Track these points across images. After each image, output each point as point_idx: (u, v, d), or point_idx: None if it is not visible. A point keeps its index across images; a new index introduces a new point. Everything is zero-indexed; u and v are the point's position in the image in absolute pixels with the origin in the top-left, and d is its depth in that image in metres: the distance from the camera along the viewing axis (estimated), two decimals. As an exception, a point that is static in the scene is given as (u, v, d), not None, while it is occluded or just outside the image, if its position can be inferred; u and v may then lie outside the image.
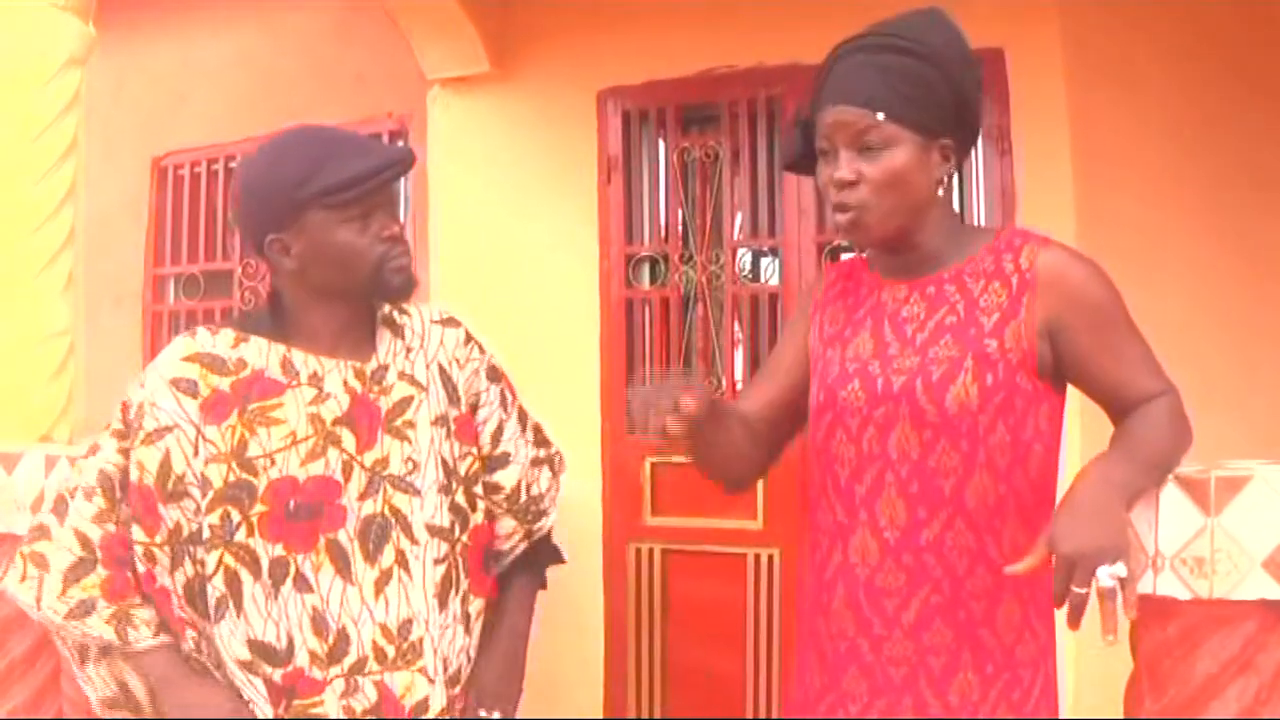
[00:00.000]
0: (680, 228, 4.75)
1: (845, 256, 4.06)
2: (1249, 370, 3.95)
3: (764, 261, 4.84)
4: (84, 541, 2.17)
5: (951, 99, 1.96)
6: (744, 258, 4.74)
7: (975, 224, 3.56)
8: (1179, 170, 4.00)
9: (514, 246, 4.88)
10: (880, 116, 1.90)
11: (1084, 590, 1.73)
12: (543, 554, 2.52)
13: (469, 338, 2.41)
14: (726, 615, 4.45)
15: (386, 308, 2.32)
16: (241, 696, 2.16)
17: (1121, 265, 3.81)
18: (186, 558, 2.16)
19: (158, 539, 2.15)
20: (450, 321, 2.40)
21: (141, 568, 2.17)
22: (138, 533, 2.16)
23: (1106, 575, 1.73)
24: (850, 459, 1.98)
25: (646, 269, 4.80)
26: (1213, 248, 4.01)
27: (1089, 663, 3.61)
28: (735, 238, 4.65)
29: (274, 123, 5.54)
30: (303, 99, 5.52)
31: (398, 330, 2.32)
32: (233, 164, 5.77)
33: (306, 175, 2.11)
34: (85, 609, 2.16)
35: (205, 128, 5.87)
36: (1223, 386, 3.87)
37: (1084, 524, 1.76)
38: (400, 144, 2.28)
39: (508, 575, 2.47)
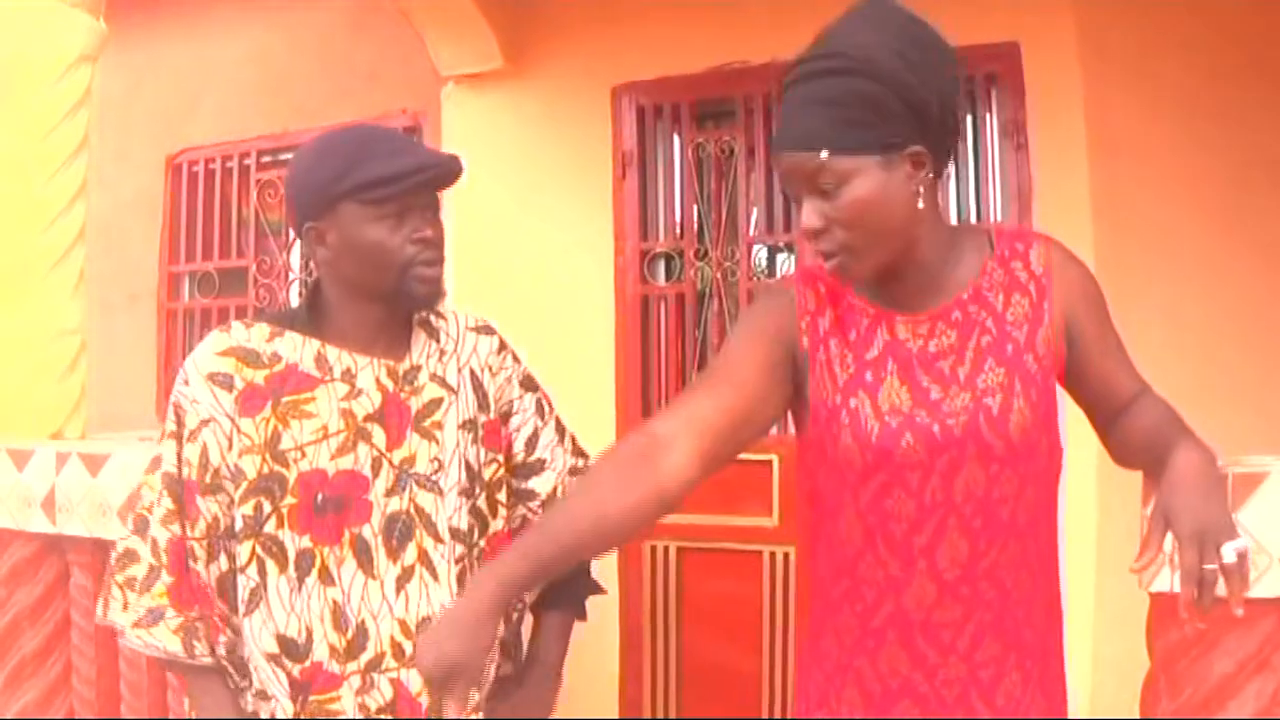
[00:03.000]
0: (696, 223, 4.74)
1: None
2: (1267, 367, 3.92)
3: (780, 257, 4.83)
4: (154, 548, 2.19)
5: (902, 105, 1.77)
6: (760, 253, 4.74)
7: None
8: (1195, 166, 3.97)
9: (528, 243, 4.88)
10: (824, 154, 1.77)
11: (1214, 567, 1.69)
12: (581, 585, 2.52)
13: (503, 346, 2.43)
14: (742, 612, 4.44)
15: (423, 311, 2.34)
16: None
17: (1138, 261, 3.83)
18: (222, 552, 2.18)
19: (196, 533, 2.17)
20: (485, 329, 2.42)
21: (190, 564, 2.19)
22: (186, 528, 2.19)
23: (1231, 551, 1.70)
24: (909, 514, 1.87)
25: (662, 265, 4.78)
26: (1230, 244, 3.98)
27: (1106, 662, 3.59)
28: (751, 233, 4.63)
29: (288, 120, 5.63)
30: (317, 96, 5.54)
31: (433, 333, 2.33)
32: (247, 161, 5.81)
33: (345, 169, 2.14)
34: (154, 617, 2.16)
35: (220, 125, 5.89)
36: (1240, 383, 3.85)
37: (1200, 503, 1.73)
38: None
39: (543, 604, 2.48)
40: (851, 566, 1.94)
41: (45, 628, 3.13)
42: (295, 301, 5.66)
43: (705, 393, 1.93)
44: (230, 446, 2.16)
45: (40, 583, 3.14)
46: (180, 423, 2.20)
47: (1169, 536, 1.74)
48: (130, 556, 2.21)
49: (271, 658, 2.15)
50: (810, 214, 1.82)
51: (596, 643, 4.59)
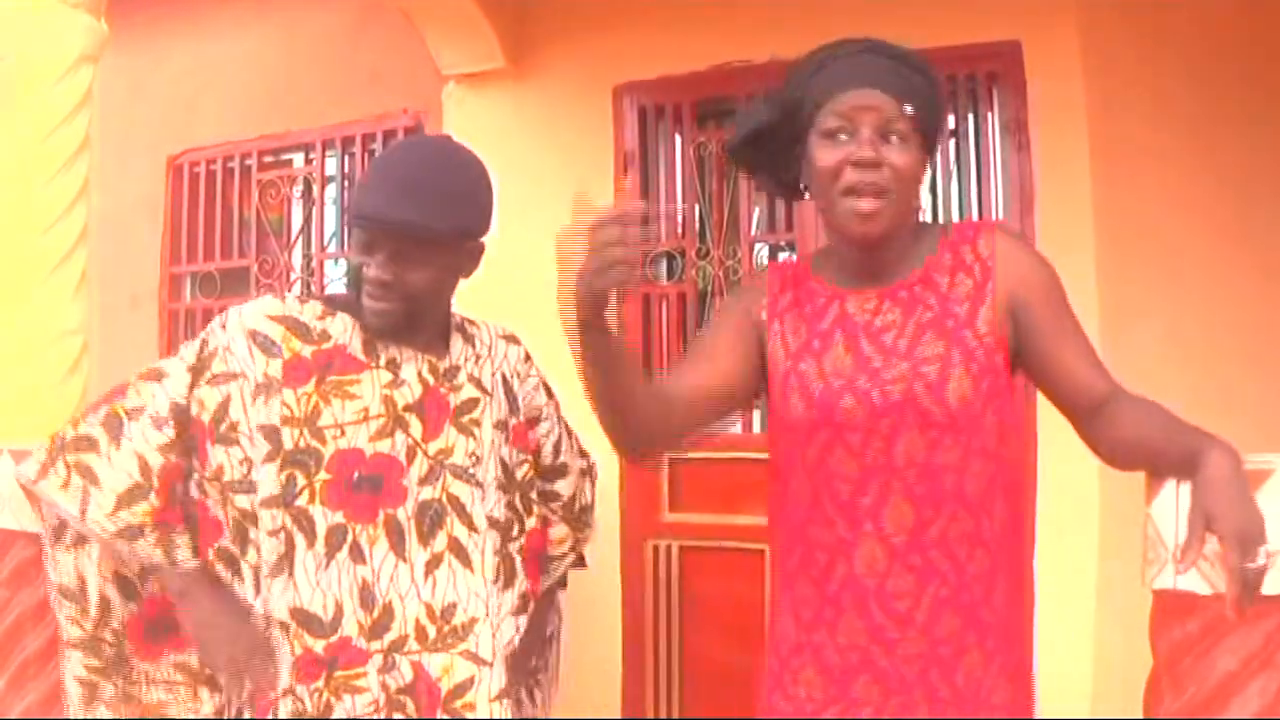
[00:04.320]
0: (697, 223, 4.74)
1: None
2: (1267, 374, 3.92)
3: (781, 257, 4.82)
4: (143, 467, 2.23)
5: (936, 124, 1.99)
6: (761, 253, 4.73)
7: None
8: (1197, 164, 3.97)
9: (530, 242, 4.84)
10: (908, 109, 1.91)
11: (1255, 566, 1.73)
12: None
13: (528, 356, 2.54)
14: (744, 612, 4.42)
15: (459, 316, 2.44)
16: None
17: (1140, 265, 3.83)
18: (229, 503, 2.23)
19: (207, 474, 2.24)
20: (513, 339, 2.54)
21: (196, 495, 2.27)
22: (196, 464, 2.26)
23: (1262, 553, 1.73)
24: (853, 474, 1.96)
25: (664, 264, 4.78)
26: (1231, 246, 3.98)
27: (1109, 660, 3.59)
28: (752, 233, 4.63)
29: (290, 121, 5.62)
30: (318, 97, 5.54)
31: (469, 338, 2.44)
32: (248, 162, 5.80)
33: (358, 188, 2.29)
34: (133, 533, 2.23)
35: (221, 126, 5.88)
36: (1240, 389, 3.84)
37: (1238, 503, 1.76)
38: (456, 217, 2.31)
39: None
40: (803, 530, 2.02)
41: (48, 629, 3.11)
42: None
43: (687, 369, 2.13)
44: (254, 404, 2.21)
45: (43, 583, 3.13)
46: (203, 362, 2.25)
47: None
48: (90, 443, 2.26)
49: (283, 626, 2.19)
50: (870, 146, 1.91)
51: (599, 641, 4.59)
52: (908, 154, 1.91)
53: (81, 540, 2.34)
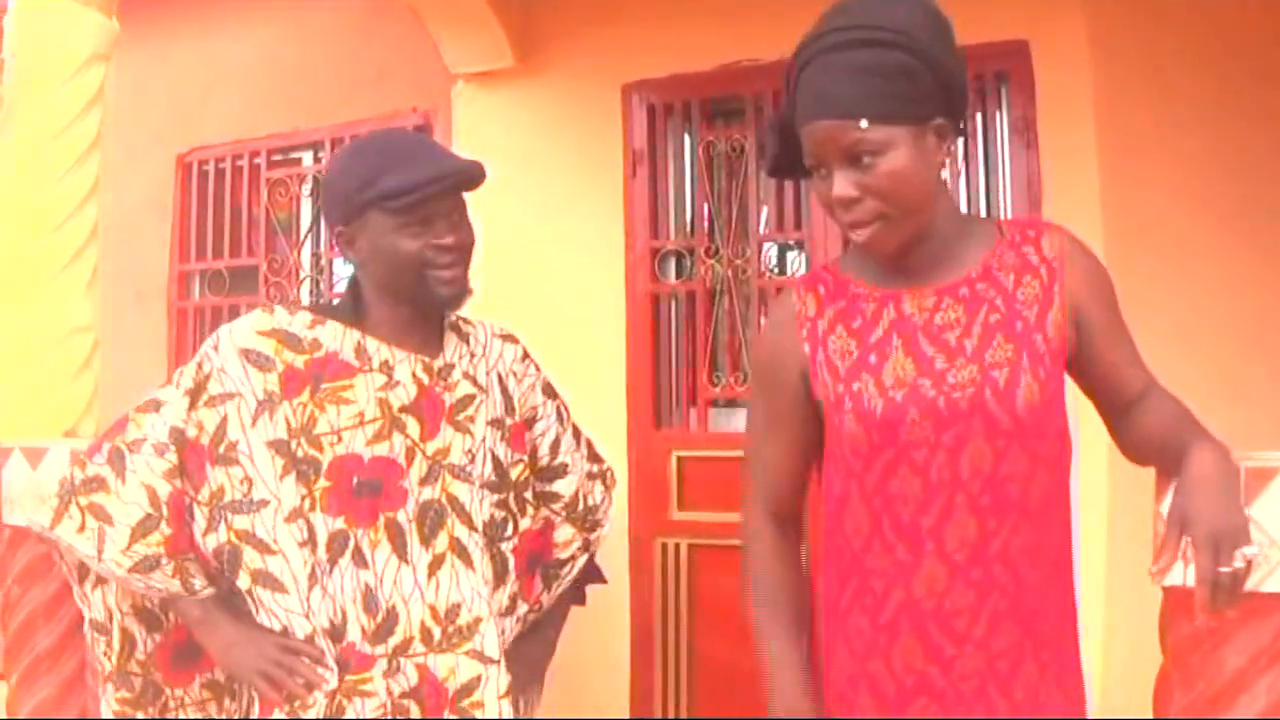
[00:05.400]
0: (706, 222, 4.74)
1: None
2: (1275, 367, 3.91)
3: (790, 255, 4.82)
4: (152, 498, 2.22)
5: (933, 78, 1.81)
6: (770, 251, 4.73)
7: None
8: (1205, 164, 3.96)
9: (539, 241, 4.87)
10: (864, 124, 1.77)
11: (1229, 570, 1.69)
12: (585, 571, 2.58)
13: (526, 355, 2.52)
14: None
15: (453, 315, 2.41)
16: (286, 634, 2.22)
17: (1147, 261, 3.83)
18: (222, 523, 2.22)
19: (200, 497, 2.23)
20: (510, 338, 2.52)
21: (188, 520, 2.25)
22: (190, 489, 2.24)
23: (1240, 556, 1.70)
24: (915, 494, 1.85)
25: (673, 263, 4.78)
26: (1237, 244, 3.97)
27: (1117, 656, 3.59)
28: (761, 231, 4.63)
29: (299, 119, 5.63)
30: (327, 94, 5.54)
31: (463, 336, 2.42)
32: (257, 160, 5.80)
33: (369, 179, 2.21)
34: (149, 564, 2.22)
35: (230, 124, 5.87)
36: (1247, 382, 3.84)
37: (1216, 506, 1.73)
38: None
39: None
40: (859, 561, 1.93)
41: (59, 625, 3.13)
42: (305, 300, 5.67)
43: (779, 453, 2.08)
44: (253, 424, 2.21)
45: (54, 580, 3.14)
46: (200, 385, 2.25)
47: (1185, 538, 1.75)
48: (100, 483, 2.25)
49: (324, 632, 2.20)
50: (844, 184, 1.82)
51: (607, 640, 4.59)
52: (887, 165, 1.79)
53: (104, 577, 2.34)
